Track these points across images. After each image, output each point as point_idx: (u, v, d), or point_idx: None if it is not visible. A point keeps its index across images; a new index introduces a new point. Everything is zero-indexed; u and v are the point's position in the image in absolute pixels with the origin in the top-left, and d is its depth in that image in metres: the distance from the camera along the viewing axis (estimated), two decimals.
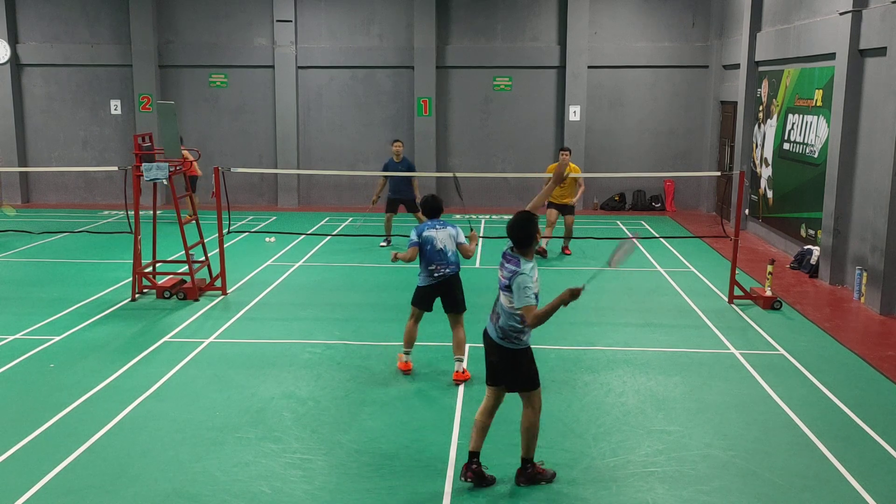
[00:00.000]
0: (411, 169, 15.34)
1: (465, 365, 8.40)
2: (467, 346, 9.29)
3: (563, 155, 14.01)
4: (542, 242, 14.62)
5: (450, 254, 8.22)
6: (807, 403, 7.70)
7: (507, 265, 5.91)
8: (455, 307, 8.33)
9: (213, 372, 8.48)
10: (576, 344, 9.46)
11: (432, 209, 8.39)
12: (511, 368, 6.00)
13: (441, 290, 8.28)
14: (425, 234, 8.22)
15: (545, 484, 6.09)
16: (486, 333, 6.18)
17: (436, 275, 8.19)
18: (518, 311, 5.79)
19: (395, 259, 8.21)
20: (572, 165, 14.26)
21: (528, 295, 5.72)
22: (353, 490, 6.01)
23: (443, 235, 8.20)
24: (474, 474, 6.06)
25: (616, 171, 20.13)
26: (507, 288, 5.86)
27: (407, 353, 8.56)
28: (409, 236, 8.37)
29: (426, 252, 8.21)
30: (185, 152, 15.92)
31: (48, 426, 7.08)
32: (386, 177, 14.89)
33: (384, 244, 15.30)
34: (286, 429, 7.06)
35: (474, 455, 6.09)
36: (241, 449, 6.66)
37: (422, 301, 8.37)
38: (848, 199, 12.35)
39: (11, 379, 8.26)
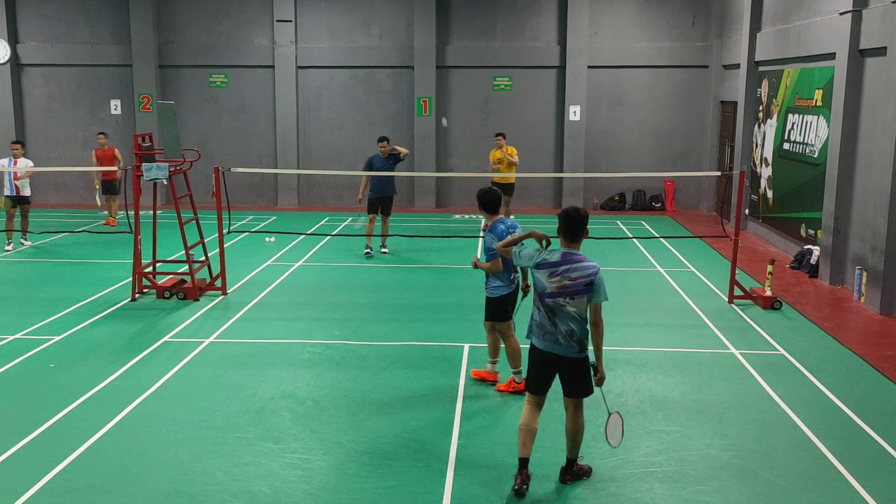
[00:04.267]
0: (398, 161, 14.35)
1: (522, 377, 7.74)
2: (468, 345, 9.33)
3: (498, 140, 15.55)
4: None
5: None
6: (807, 403, 7.70)
7: (575, 265, 5.87)
8: None
9: (213, 372, 8.48)
10: None
11: (487, 203, 7.70)
12: (583, 377, 6.13)
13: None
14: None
15: (586, 479, 6.17)
16: (550, 355, 6.09)
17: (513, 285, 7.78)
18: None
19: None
20: (510, 149, 15.50)
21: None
22: (353, 490, 6.01)
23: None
24: (525, 480, 5.92)
25: (616, 171, 20.13)
26: (583, 291, 5.89)
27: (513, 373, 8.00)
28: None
29: (505, 260, 7.50)
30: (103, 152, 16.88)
31: (48, 426, 7.07)
32: (371, 174, 13.87)
33: (368, 251, 14.32)
34: (286, 429, 7.06)
35: (525, 462, 5.97)
36: (241, 449, 6.66)
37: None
38: (848, 199, 12.35)
39: (11, 379, 8.25)
